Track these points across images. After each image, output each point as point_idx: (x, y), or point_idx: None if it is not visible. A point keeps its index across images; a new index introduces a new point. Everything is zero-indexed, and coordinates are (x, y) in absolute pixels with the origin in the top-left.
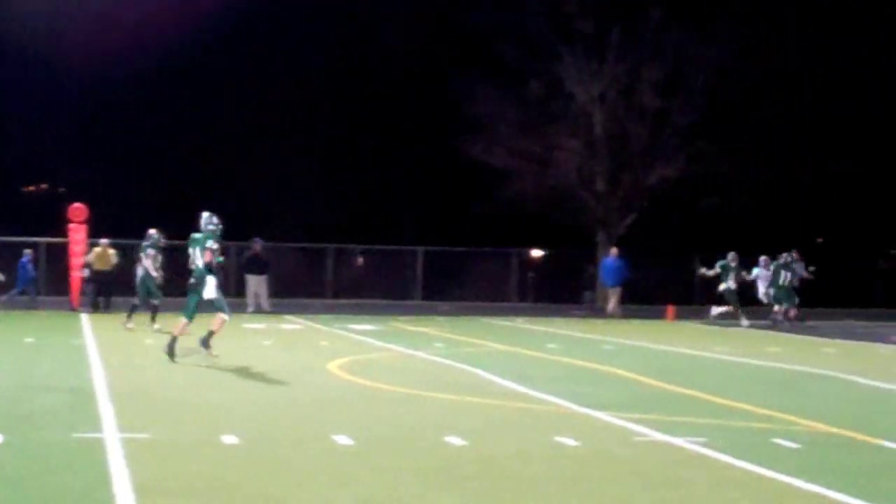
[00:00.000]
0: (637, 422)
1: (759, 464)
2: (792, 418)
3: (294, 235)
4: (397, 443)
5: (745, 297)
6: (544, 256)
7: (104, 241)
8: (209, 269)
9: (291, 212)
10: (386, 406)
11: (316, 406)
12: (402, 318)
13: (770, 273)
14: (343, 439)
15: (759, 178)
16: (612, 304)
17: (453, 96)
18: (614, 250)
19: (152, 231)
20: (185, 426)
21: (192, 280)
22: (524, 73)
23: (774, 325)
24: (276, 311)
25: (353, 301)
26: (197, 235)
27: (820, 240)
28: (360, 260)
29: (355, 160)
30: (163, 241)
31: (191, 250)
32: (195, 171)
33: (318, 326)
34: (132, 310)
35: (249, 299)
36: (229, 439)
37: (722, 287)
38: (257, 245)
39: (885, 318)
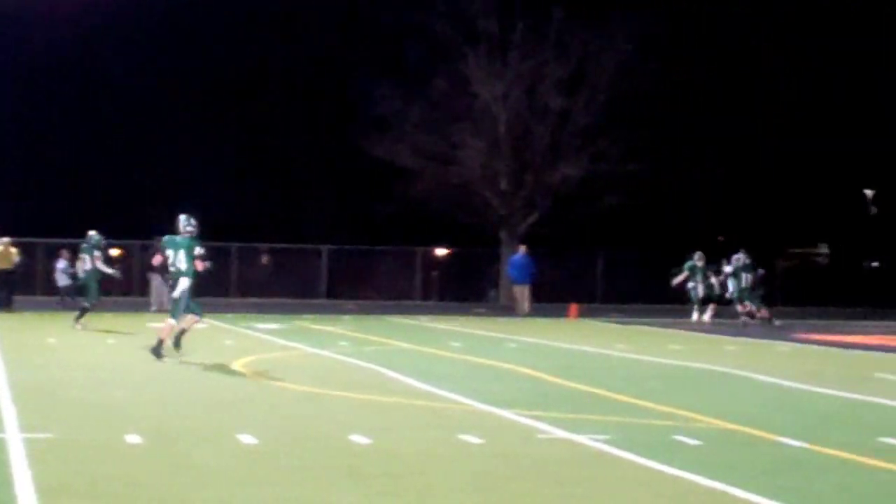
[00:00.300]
0: (540, 419)
1: (661, 461)
2: (693, 415)
3: (209, 235)
4: (302, 441)
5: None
6: (448, 255)
7: (5, 239)
8: (195, 273)
9: (195, 210)
10: (291, 405)
11: (221, 405)
12: (307, 316)
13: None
14: (247, 438)
15: (662, 177)
16: (524, 302)
17: (358, 95)
18: (522, 248)
19: (92, 232)
20: (88, 426)
21: (170, 282)
22: (428, 72)
23: (745, 326)
24: None
25: (258, 300)
26: (178, 238)
27: (721, 238)
28: (266, 259)
29: (260, 159)
30: (104, 242)
31: (170, 252)
32: (96, 170)
33: (223, 325)
34: (85, 310)
35: (153, 298)
36: (133, 439)
37: (689, 285)
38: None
39: (791, 315)
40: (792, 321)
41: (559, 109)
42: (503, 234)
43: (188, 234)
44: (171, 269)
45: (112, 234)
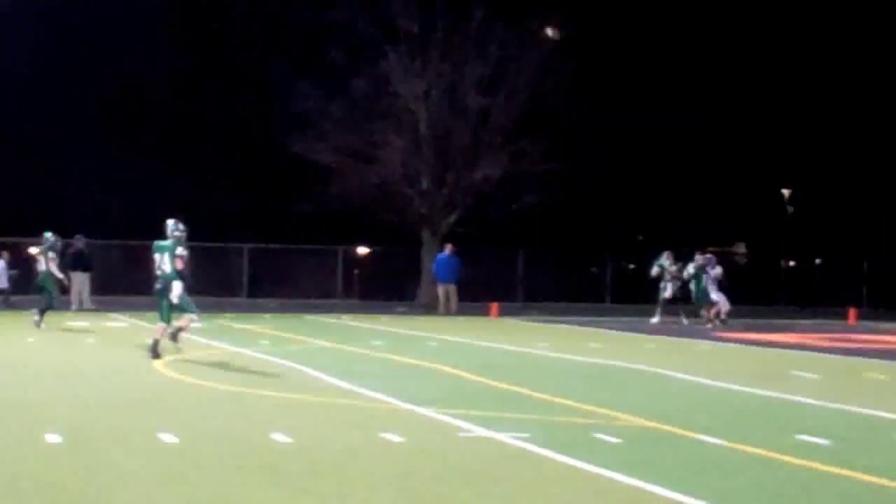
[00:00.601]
0: (461, 417)
1: (581, 458)
2: (613, 413)
3: (117, 232)
4: (223, 440)
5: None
6: (370, 254)
7: None
8: (178, 274)
9: (114, 208)
10: (211, 404)
11: (141, 404)
12: (227, 315)
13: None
14: (168, 437)
15: (581, 176)
16: (450, 301)
17: (279, 93)
18: (449, 247)
19: (49, 234)
20: (6, 425)
21: (157, 285)
22: (349, 70)
23: (715, 326)
24: (101, 308)
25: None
26: (164, 242)
27: (640, 238)
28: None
29: (179, 156)
30: (59, 244)
31: (157, 255)
32: (12, 168)
33: (144, 324)
34: (45, 309)
35: (73, 297)
36: (52, 438)
37: (660, 285)
38: (80, 242)
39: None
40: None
41: (479, 109)
42: (424, 233)
43: (175, 238)
44: (158, 272)
45: (34, 232)
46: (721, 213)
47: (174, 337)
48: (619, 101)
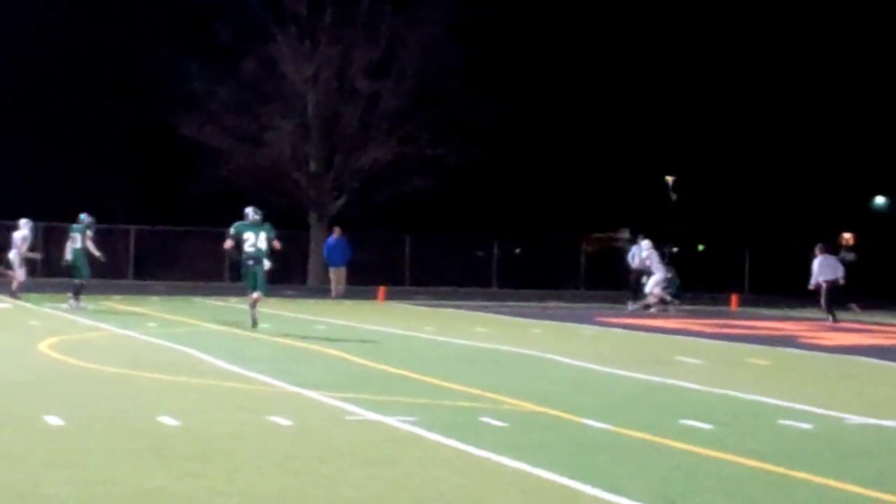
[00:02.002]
0: (348, 401)
1: (468, 442)
2: (499, 397)
3: (2, 213)
4: (110, 423)
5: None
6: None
7: None
8: (270, 253)
9: None
10: (98, 386)
11: (26, 386)
12: (114, 297)
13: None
14: (54, 420)
15: (468, 161)
16: (339, 284)
17: (167, 74)
18: (337, 230)
19: (84, 215)
20: None
21: (249, 261)
22: (238, 52)
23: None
24: None
25: (65, 280)
26: (249, 223)
27: (526, 222)
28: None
29: (64, 137)
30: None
31: (250, 234)
32: None
33: (28, 306)
34: (78, 289)
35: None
36: None
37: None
38: None
39: (595, 299)
40: (596, 304)
41: (368, 92)
42: (312, 217)
43: (257, 221)
44: (251, 249)
45: None
46: (606, 199)
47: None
48: (507, 85)
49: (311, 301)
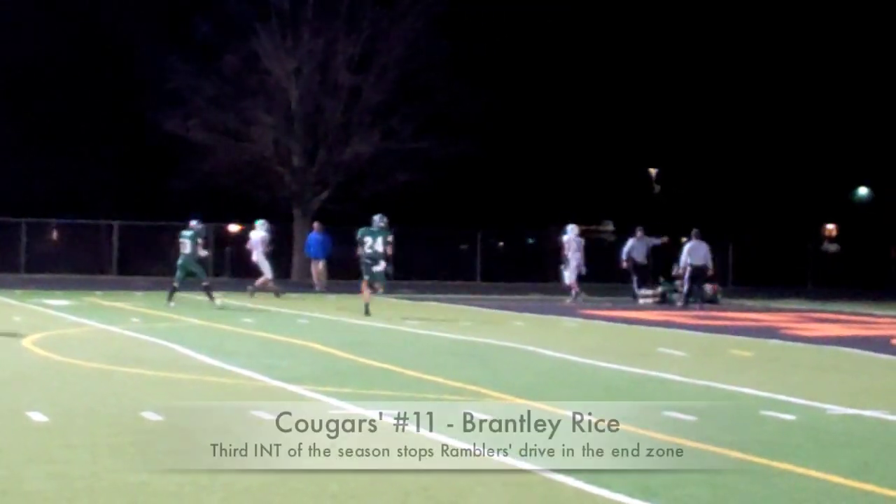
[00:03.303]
0: (331, 395)
1: (451, 435)
2: (482, 390)
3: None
4: (93, 418)
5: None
6: (241, 231)
7: None
8: (385, 255)
9: None
10: (81, 382)
11: (9, 382)
12: (97, 293)
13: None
14: (37, 416)
15: (454, 154)
16: (320, 277)
17: (149, 69)
18: (317, 225)
19: (194, 222)
20: None
21: (367, 260)
22: (220, 47)
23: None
24: None
25: (48, 275)
26: (374, 229)
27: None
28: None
29: (48, 134)
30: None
31: (368, 238)
32: None
33: (11, 301)
34: (207, 289)
35: None
36: None
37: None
38: None
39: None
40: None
41: (350, 86)
42: (296, 211)
43: (382, 227)
44: (369, 251)
45: None
46: (589, 192)
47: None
48: (490, 78)
49: (295, 295)
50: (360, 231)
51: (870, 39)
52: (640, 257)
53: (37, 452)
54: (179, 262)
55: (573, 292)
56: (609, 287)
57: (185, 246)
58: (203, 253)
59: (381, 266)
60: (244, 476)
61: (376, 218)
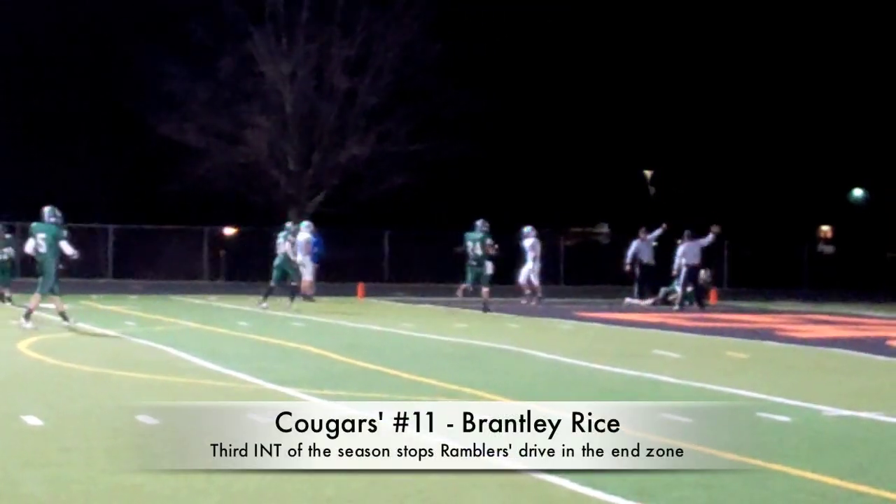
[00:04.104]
0: (327, 398)
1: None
2: (477, 392)
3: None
4: (88, 422)
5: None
6: (236, 234)
7: None
8: (489, 257)
9: None
10: (77, 385)
11: (5, 386)
12: (93, 296)
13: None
14: (33, 419)
15: (449, 157)
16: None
17: (144, 73)
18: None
19: (289, 224)
20: None
21: (473, 262)
22: (215, 50)
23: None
24: None
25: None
26: (477, 234)
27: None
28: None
29: (44, 135)
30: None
31: (469, 243)
32: None
33: (7, 305)
34: (292, 291)
35: None
36: None
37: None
38: None
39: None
40: (575, 299)
41: (346, 89)
42: (291, 214)
43: (484, 231)
44: (472, 254)
45: None
46: (584, 194)
47: (486, 307)
48: (484, 81)
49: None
50: (466, 236)
51: (865, 42)
52: (647, 258)
53: (32, 456)
54: (276, 262)
55: (538, 294)
56: (604, 289)
57: (281, 246)
58: (287, 249)
59: (486, 269)
60: (241, 478)
61: (479, 223)
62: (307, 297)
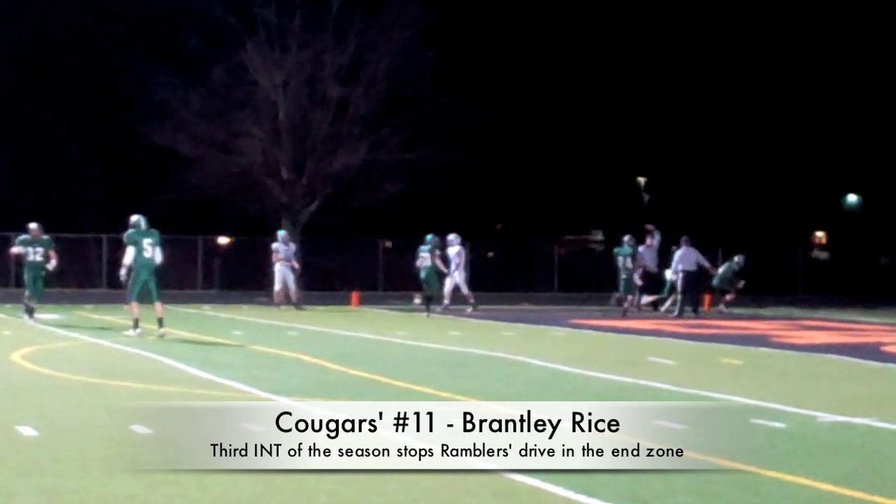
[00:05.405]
0: (322, 407)
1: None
2: (471, 400)
3: None
4: (83, 432)
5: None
6: (230, 243)
7: None
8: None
9: None
10: (71, 395)
11: None
12: (87, 306)
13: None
14: (27, 430)
15: (442, 165)
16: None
17: (136, 82)
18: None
19: (430, 236)
20: None
21: (623, 275)
22: (207, 59)
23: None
24: None
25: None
26: (624, 248)
27: (499, 226)
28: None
29: (38, 146)
30: (437, 241)
31: (620, 257)
32: None
33: (1, 316)
34: (428, 300)
35: None
36: None
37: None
38: None
39: (570, 301)
40: (570, 307)
41: (338, 98)
42: (284, 223)
43: (631, 245)
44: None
45: None
46: (578, 201)
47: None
48: (478, 89)
49: (284, 307)
50: (615, 250)
51: (859, 48)
52: (651, 265)
53: (26, 467)
54: (422, 275)
55: (471, 300)
56: (597, 296)
57: (426, 259)
58: (438, 263)
59: (634, 279)
60: (235, 487)
61: (626, 238)
62: (297, 306)
